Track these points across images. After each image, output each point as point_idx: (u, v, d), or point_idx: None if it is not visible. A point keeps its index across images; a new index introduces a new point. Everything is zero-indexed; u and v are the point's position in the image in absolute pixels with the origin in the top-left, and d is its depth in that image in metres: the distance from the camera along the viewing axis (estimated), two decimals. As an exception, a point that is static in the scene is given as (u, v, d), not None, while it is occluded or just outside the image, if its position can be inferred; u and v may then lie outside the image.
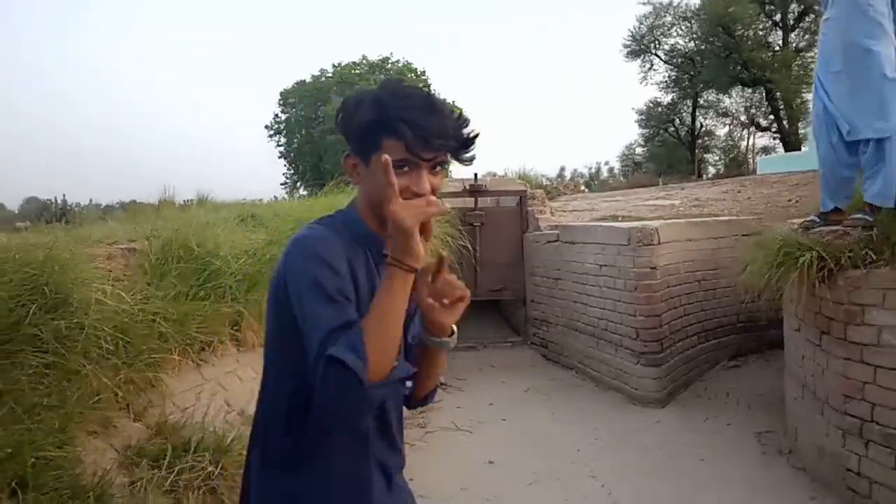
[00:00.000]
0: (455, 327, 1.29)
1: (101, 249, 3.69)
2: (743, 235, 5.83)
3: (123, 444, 2.72)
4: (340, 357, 1.08)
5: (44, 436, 2.21)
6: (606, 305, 5.89)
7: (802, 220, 4.22)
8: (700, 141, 32.89)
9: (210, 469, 2.77)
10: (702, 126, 32.88)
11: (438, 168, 1.29)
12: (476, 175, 7.75)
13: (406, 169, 1.24)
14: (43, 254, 2.72)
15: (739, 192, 8.97)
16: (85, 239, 3.92)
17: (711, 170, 33.20)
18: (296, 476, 1.31)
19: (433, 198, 1.19)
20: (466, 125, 1.32)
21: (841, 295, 3.43)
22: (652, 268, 5.42)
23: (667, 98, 31.97)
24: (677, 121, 33.18)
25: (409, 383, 1.31)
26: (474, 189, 7.53)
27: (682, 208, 8.32)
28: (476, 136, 1.34)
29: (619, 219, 7.13)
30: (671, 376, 5.51)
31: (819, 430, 3.73)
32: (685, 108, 32.48)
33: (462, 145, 1.31)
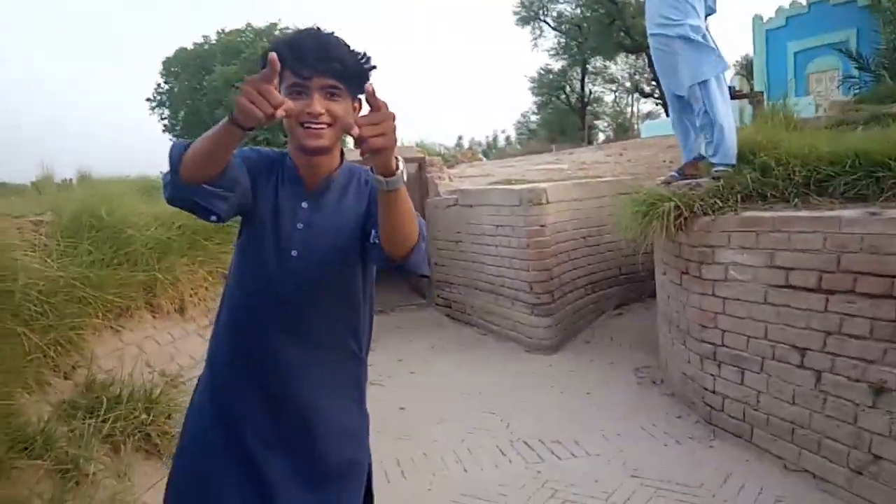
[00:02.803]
0: (401, 163, 1.33)
1: (8, 222, 3.74)
2: (622, 194, 6.41)
3: (57, 399, 2.89)
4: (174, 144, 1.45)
5: (-14, 390, 2.37)
6: (503, 263, 6.35)
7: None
8: (590, 107, 34.27)
9: (143, 417, 3.00)
10: (591, 93, 34.25)
11: (336, 94, 1.51)
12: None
13: (300, 94, 1.49)
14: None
15: (621, 154, 9.68)
16: (-11, 214, 3.93)
17: (602, 135, 34.77)
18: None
19: (262, 90, 1.22)
20: (355, 53, 1.53)
21: (695, 239, 4.00)
22: (542, 225, 5.92)
23: (557, 65, 33.04)
24: (568, 87, 34.33)
25: (373, 236, 1.53)
26: (373, 157, 7.76)
27: (570, 171, 8.91)
28: (364, 60, 1.55)
29: (513, 183, 7.60)
30: (561, 325, 6.06)
31: (682, 359, 4.33)
32: (575, 74, 33.62)
33: (353, 70, 1.51)
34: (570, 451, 3.86)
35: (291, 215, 1.64)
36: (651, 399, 4.62)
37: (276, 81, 1.25)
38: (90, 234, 3.78)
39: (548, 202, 5.96)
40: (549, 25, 31.37)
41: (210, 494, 1.62)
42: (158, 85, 33.32)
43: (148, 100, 33.34)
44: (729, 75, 4.86)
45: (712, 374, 3.96)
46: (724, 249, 3.83)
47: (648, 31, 4.51)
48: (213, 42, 32.31)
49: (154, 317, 4.17)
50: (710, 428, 3.96)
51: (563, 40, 31.51)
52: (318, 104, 1.49)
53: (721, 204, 3.92)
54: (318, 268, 1.63)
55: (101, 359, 3.47)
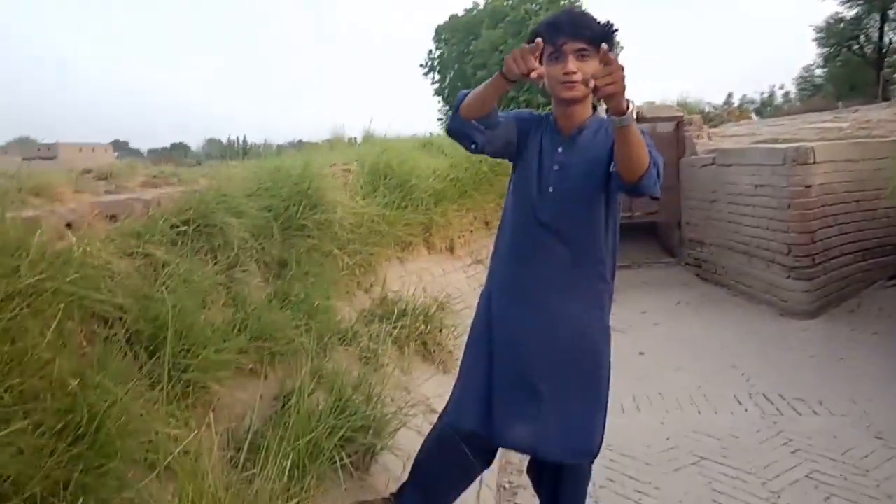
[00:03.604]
0: (632, 104, 1.64)
1: (328, 169, 4.68)
2: (905, 156, 5.84)
3: (360, 307, 3.69)
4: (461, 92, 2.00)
5: (317, 291, 3.17)
6: (760, 224, 6.19)
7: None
8: (889, 59, 29.73)
9: (422, 328, 3.70)
10: (891, 42, 29.63)
11: (585, 55, 1.90)
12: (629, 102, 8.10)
13: (558, 59, 1.92)
14: (300, 168, 3.67)
15: (916, 112, 8.58)
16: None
17: None
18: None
19: (526, 55, 1.69)
20: (600, 21, 1.95)
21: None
22: (807, 186, 5.66)
23: (851, 12, 29.09)
24: (862, 38, 30.12)
25: (612, 166, 1.86)
26: (631, 116, 7.91)
27: (849, 131, 8.15)
28: (609, 24, 1.95)
29: (779, 142, 7.24)
30: (822, 291, 5.79)
31: (957, 331, 4.01)
32: (872, 23, 29.36)
33: (599, 34, 1.89)
34: (812, 409, 3.85)
35: (550, 159, 2.08)
36: (914, 372, 4.33)
37: (537, 54, 1.69)
38: (384, 181, 4.58)
39: (815, 162, 5.67)
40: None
41: (480, 372, 2.14)
42: (430, 51, 35.74)
43: (421, 66, 35.96)
44: None
45: None
46: None
47: None
48: (481, 8, 33.69)
49: (429, 252, 4.93)
50: (980, 404, 3.68)
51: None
52: (572, 64, 1.91)
53: None
54: (568, 201, 2.04)
55: (390, 282, 4.26)
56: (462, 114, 1.94)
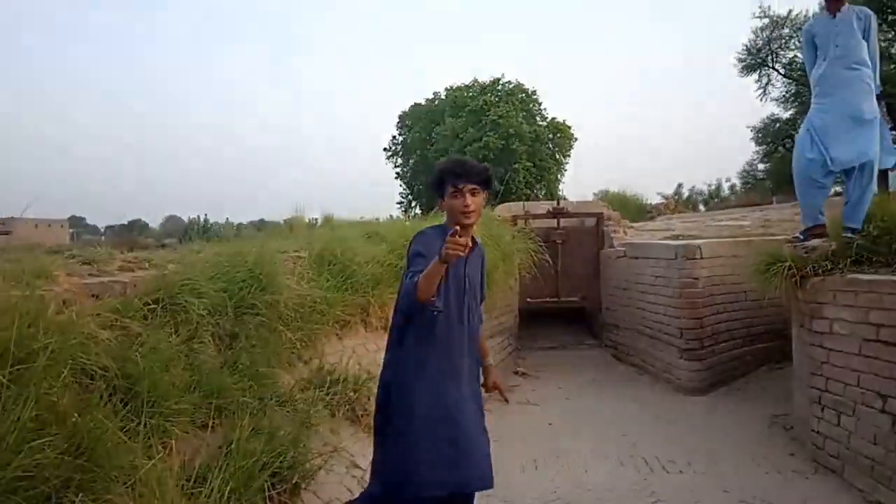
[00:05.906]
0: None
1: (279, 257, 5.39)
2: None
3: (299, 376, 4.33)
4: (412, 279, 2.51)
5: (262, 361, 3.83)
6: (660, 310, 7.06)
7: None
8: (818, 158, 31.99)
9: (351, 395, 4.36)
10: (822, 143, 31.97)
11: (475, 192, 2.68)
12: (558, 200, 9.11)
13: (457, 194, 2.68)
14: (255, 255, 4.38)
15: (809, 214, 9.73)
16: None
17: (836, 187, 32.18)
18: (395, 364, 2.79)
19: (461, 243, 2.25)
20: (484, 167, 2.78)
21: (808, 296, 4.56)
22: (694, 278, 6.57)
23: (786, 114, 31.46)
24: (797, 136, 32.39)
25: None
26: (556, 211, 8.90)
27: (749, 228, 9.22)
28: (488, 173, 2.77)
29: (680, 237, 8.22)
30: (712, 371, 6.60)
31: (799, 403, 4.84)
32: (805, 124, 31.75)
33: (482, 178, 2.72)
34: (679, 468, 4.57)
35: (461, 270, 2.76)
36: (775, 440, 5.10)
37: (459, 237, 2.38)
38: (328, 266, 5.31)
39: (702, 257, 6.60)
40: (779, 73, 30.21)
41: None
42: (394, 137, 37.29)
43: (385, 149, 37.43)
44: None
45: (817, 417, 4.46)
46: (830, 306, 4.37)
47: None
48: (443, 97, 35.52)
49: (366, 330, 5.62)
50: (813, 464, 4.45)
51: (793, 88, 30.08)
52: (469, 200, 2.70)
53: (831, 266, 4.46)
54: (473, 302, 2.82)
55: (328, 355, 4.92)
56: (422, 301, 2.47)
